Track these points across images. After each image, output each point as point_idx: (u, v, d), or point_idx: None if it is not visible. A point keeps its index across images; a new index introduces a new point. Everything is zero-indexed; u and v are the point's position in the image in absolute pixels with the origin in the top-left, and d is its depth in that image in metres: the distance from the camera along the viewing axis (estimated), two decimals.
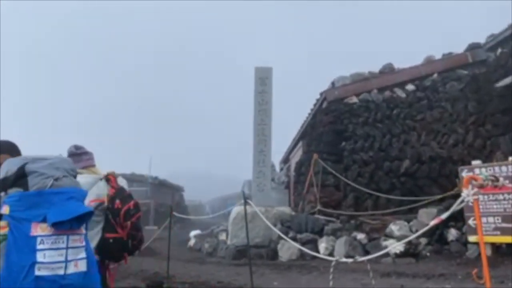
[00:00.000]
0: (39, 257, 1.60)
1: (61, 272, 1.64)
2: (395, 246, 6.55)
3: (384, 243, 6.89)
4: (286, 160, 20.77)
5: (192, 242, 12.23)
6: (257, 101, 10.39)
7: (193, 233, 13.70)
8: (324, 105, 10.41)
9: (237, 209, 10.55)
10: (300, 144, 15.85)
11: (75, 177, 2.10)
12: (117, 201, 2.93)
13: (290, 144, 18.32)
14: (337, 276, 6.12)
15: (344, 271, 6.29)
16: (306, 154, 11.32)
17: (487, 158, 9.18)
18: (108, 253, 2.87)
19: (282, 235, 5.05)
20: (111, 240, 2.85)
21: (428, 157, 9.43)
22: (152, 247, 11.76)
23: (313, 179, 9.30)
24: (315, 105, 11.40)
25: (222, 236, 11.01)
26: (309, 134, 11.53)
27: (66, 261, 1.66)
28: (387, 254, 6.78)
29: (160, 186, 27.71)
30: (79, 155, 3.23)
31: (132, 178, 25.65)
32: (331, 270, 3.27)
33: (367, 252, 7.20)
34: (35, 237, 1.63)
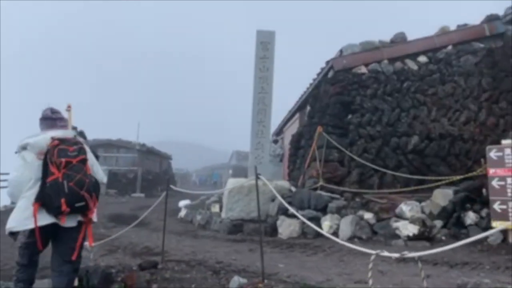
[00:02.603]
0: None
1: None
2: (408, 229, 6.09)
3: (395, 224, 6.42)
4: (279, 132, 20.18)
5: (183, 213, 11.71)
6: (258, 68, 9.65)
7: (182, 203, 13.14)
8: (330, 74, 9.70)
9: (233, 181, 10.01)
10: (297, 115, 15.20)
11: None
12: (56, 142, 2.95)
13: (285, 116, 17.68)
14: (346, 260, 5.67)
15: (352, 254, 5.83)
16: (307, 127, 10.70)
17: (499, 137, 8.70)
18: (47, 199, 2.81)
19: (297, 214, 4.49)
20: (48, 184, 2.82)
21: (438, 134, 8.93)
22: (140, 217, 11.23)
23: (315, 153, 8.73)
24: (318, 74, 10.67)
25: (215, 208, 10.49)
26: (311, 106, 10.86)
27: None
28: (397, 236, 6.35)
29: (148, 153, 26.98)
30: (53, 119, 3.22)
31: (119, 144, 24.86)
32: (370, 266, 2.71)
33: (375, 233, 6.77)
34: None
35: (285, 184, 9.34)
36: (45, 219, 2.84)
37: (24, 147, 2.98)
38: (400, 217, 6.65)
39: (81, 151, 3.01)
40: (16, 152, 3.03)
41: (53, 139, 2.97)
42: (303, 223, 7.54)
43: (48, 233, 2.91)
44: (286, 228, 7.52)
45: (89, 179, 2.93)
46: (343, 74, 9.27)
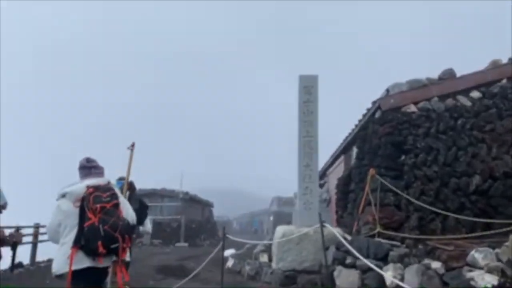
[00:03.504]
0: None
1: None
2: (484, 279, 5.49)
3: (469, 274, 5.81)
4: (322, 176, 19.74)
5: (230, 263, 11.36)
6: (302, 112, 9.57)
7: (228, 252, 12.82)
8: (377, 114, 9.45)
9: (282, 229, 9.64)
10: (341, 158, 14.85)
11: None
12: (91, 189, 3.24)
13: (328, 159, 17.36)
14: None
15: None
16: (356, 169, 10.34)
17: None
18: (86, 243, 3.05)
19: (370, 264, 4.12)
20: (86, 229, 3.07)
21: (502, 173, 8.29)
22: (187, 267, 11.01)
23: (370, 197, 8.31)
24: (364, 115, 10.46)
25: (264, 258, 10.10)
26: (359, 147, 10.56)
27: None
28: None
29: (191, 201, 27.11)
30: (89, 168, 3.50)
31: (163, 193, 25.21)
32: None
33: (445, 284, 6.14)
34: None
35: (337, 231, 8.88)
36: (83, 263, 3.11)
37: (63, 195, 3.30)
38: (473, 265, 6.03)
39: (114, 196, 3.31)
40: (57, 200, 3.37)
41: (88, 187, 3.29)
42: (363, 273, 7.05)
43: (90, 278, 3.17)
44: (345, 279, 7.02)
45: (122, 222, 3.20)
46: (392, 113, 9.00)
